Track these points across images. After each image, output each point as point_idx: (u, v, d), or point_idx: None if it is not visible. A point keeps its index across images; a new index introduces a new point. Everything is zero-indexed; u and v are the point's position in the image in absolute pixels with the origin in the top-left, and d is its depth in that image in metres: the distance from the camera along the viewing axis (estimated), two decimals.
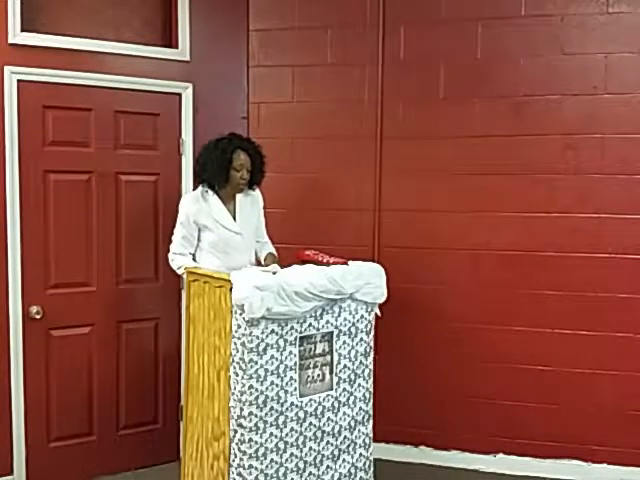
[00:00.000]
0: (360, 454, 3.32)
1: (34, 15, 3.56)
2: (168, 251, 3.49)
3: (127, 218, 3.83)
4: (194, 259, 3.45)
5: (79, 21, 3.72)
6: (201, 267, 3.36)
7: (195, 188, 3.52)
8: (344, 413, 3.24)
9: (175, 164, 3.96)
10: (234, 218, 3.45)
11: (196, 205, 3.38)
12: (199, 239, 3.42)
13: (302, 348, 3.08)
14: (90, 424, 3.81)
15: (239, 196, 3.49)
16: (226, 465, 3.07)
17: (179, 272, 3.44)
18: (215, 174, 3.36)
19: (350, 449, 3.28)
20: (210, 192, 3.41)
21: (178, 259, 3.43)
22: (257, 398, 2.96)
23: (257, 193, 3.58)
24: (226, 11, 4.09)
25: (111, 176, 3.77)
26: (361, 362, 3.29)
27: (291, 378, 3.04)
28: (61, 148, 3.63)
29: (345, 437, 3.26)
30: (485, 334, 3.95)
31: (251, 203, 3.54)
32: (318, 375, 3.15)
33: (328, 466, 3.21)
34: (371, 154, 4.06)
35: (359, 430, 3.31)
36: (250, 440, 2.96)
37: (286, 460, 3.06)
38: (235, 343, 2.96)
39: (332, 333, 3.17)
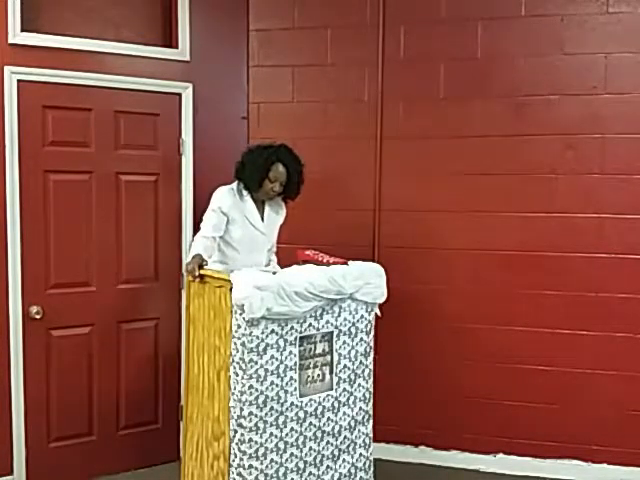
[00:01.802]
0: (360, 454, 3.32)
1: (34, 15, 3.56)
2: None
3: (127, 218, 3.83)
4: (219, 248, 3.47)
5: (79, 21, 3.72)
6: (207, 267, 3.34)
7: (230, 182, 3.53)
8: (344, 413, 3.24)
9: (175, 164, 3.96)
10: (262, 219, 3.53)
11: (231, 198, 3.45)
12: (225, 230, 3.47)
13: (302, 348, 3.08)
14: (90, 424, 3.81)
15: (267, 202, 3.58)
16: (226, 465, 3.06)
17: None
18: (251, 178, 3.45)
19: (350, 449, 3.28)
20: (244, 191, 3.49)
21: (201, 240, 3.38)
22: (257, 398, 2.95)
23: (284, 209, 3.66)
24: (226, 11, 4.09)
25: (111, 176, 3.77)
26: (361, 362, 3.29)
27: (291, 378, 3.04)
28: (61, 148, 3.63)
29: (345, 437, 3.25)
30: (485, 334, 3.95)
31: (276, 213, 3.63)
32: (318, 375, 3.15)
33: (328, 466, 3.21)
34: (371, 154, 4.06)
35: (359, 430, 3.30)
36: (250, 440, 2.96)
37: (286, 460, 3.06)
38: (235, 343, 2.96)
39: (332, 333, 3.17)
